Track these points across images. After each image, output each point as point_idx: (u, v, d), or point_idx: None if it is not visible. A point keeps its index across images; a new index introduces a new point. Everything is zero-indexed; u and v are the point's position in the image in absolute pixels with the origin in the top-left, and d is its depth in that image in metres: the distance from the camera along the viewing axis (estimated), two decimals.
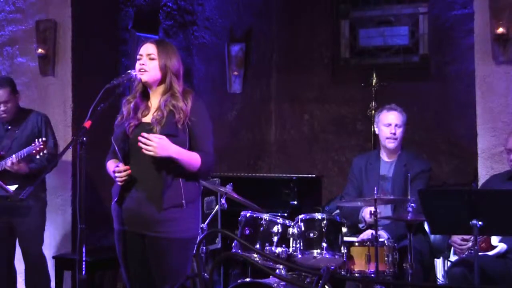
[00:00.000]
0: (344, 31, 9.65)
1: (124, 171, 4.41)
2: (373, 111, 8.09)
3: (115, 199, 4.53)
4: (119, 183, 4.45)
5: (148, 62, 4.51)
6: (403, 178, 5.89)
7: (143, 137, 4.34)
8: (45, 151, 5.90)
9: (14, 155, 5.98)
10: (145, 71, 4.50)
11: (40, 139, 5.94)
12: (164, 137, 4.36)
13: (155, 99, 4.57)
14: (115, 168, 4.44)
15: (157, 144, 4.33)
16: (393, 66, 9.27)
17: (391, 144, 6.07)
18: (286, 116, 9.67)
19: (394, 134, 6.04)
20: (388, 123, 6.08)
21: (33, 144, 5.91)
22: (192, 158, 4.45)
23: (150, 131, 4.42)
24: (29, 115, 6.38)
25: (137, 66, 4.53)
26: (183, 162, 4.42)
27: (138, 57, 4.56)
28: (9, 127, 6.31)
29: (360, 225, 6.04)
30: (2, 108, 6.22)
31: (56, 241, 7.08)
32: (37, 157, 5.97)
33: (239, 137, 9.40)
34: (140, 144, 4.34)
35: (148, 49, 4.54)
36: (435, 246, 6.24)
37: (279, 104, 9.72)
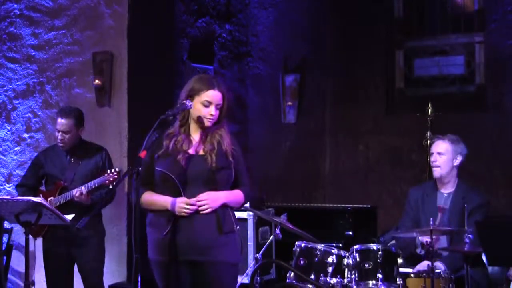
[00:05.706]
0: (398, 61, 9.62)
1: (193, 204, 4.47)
2: (428, 142, 8.02)
3: (167, 230, 4.51)
4: (184, 214, 4.46)
5: (215, 112, 4.57)
6: (460, 210, 5.80)
7: (190, 204, 4.44)
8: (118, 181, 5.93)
9: (83, 186, 5.98)
10: (213, 120, 4.58)
11: (113, 169, 5.99)
12: (208, 192, 4.47)
13: (196, 131, 4.63)
14: (192, 201, 4.45)
15: (208, 200, 4.45)
16: (448, 96, 9.20)
17: (434, 172, 6.04)
18: (341, 146, 9.64)
19: (435, 161, 6.00)
20: (431, 152, 6.08)
21: (105, 175, 5.95)
22: (238, 197, 4.63)
23: (205, 161, 4.50)
24: (92, 149, 6.37)
25: (207, 114, 4.56)
26: (233, 204, 4.61)
27: (205, 103, 4.55)
28: (72, 160, 6.32)
29: (418, 250, 5.96)
30: (60, 137, 6.25)
31: (112, 270, 7.12)
32: (110, 187, 5.98)
33: (294, 168, 9.38)
34: (189, 212, 4.44)
35: (217, 99, 4.58)
36: (493, 278, 6.14)
37: (334, 134, 9.69)
